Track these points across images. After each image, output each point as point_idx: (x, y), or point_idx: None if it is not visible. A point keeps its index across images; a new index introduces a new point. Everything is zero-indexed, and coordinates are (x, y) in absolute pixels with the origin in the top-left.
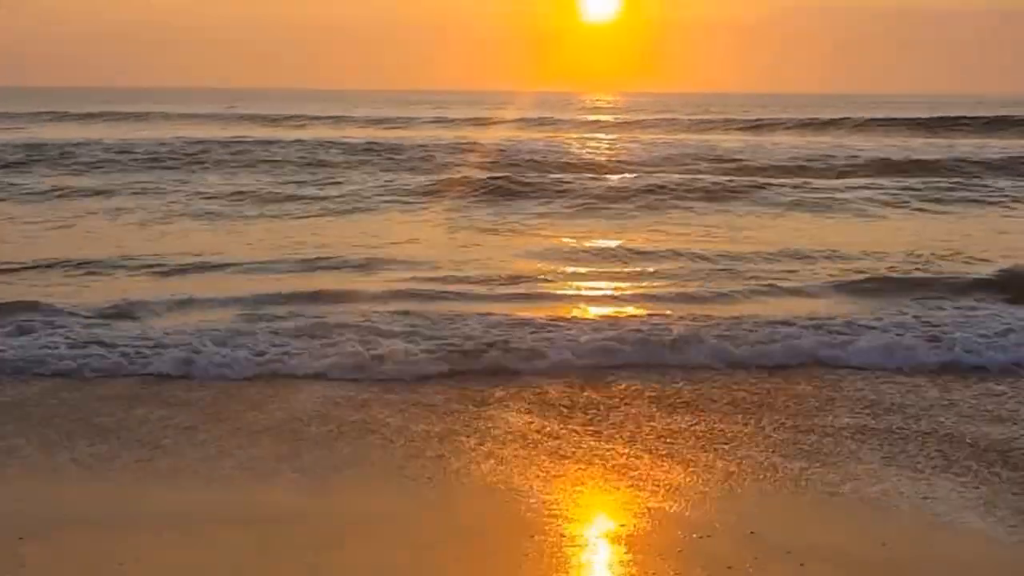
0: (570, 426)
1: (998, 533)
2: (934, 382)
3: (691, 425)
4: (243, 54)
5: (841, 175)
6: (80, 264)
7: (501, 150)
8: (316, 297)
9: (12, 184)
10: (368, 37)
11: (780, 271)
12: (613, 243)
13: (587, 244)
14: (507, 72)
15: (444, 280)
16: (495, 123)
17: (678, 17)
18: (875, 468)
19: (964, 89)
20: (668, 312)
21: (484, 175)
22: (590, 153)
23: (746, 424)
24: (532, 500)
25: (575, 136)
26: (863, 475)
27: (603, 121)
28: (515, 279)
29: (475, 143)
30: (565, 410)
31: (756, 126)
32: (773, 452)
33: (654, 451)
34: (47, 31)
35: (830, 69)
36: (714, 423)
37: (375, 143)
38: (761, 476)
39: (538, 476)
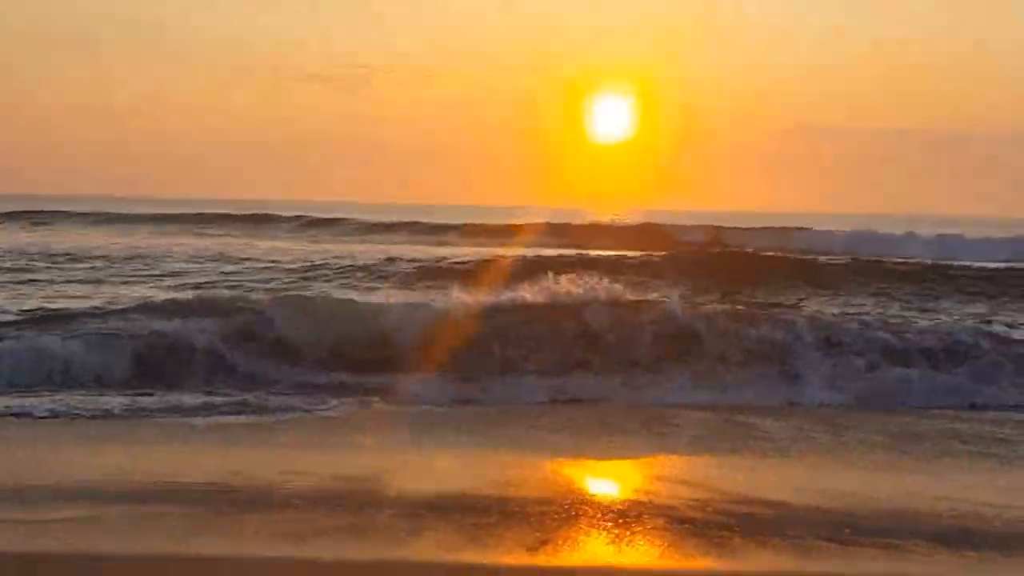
0: None
1: None
2: None
3: None
4: (248, 167)
5: None
6: None
7: None
8: None
9: None
10: (356, 153)
11: None
12: None
13: None
14: (521, 189)
15: None
16: None
17: (689, 137)
18: None
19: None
20: None
21: None
22: None
23: None
24: None
25: None
26: None
27: None
28: None
29: None
30: None
31: None
32: None
33: None
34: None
35: (847, 188)
36: None
37: None
38: None
39: None
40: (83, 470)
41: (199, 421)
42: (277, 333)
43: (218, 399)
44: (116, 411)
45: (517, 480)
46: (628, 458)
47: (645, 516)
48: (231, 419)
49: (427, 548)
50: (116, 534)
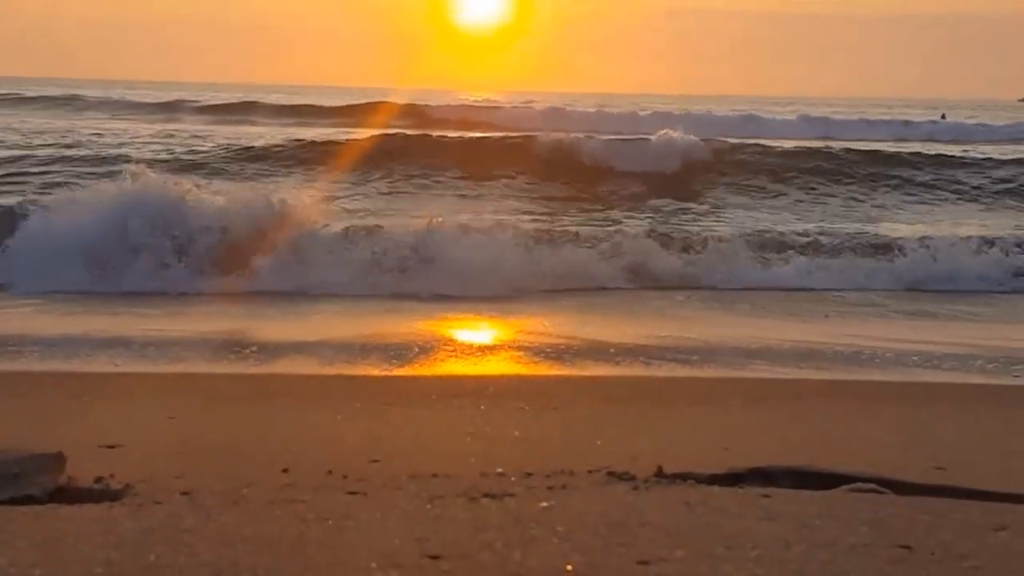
0: None
1: None
2: None
3: None
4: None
5: None
6: None
7: None
8: None
9: None
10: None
11: None
12: None
13: None
14: (379, 71)
15: None
16: None
17: (570, 21)
18: None
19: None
20: None
21: None
22: None
23: None
24: None
25: None
26: None
27: None
28: None
29: None
30: None
31: None
32: None
33: None
34: None
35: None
36: None
37: None
38: None
39: None
40: None
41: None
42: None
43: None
44: None
45: (381, 331)
46: (495, 317)
47: (501, 350)
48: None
49: (292, 367)
50: None
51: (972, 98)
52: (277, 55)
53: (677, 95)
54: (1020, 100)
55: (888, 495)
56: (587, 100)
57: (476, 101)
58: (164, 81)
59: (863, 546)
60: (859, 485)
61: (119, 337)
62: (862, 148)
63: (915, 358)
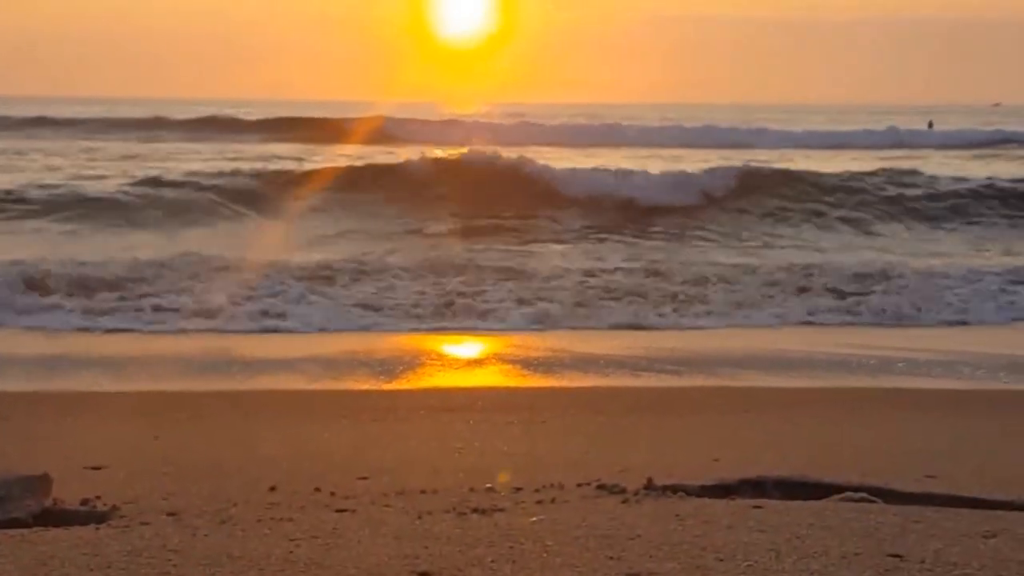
0: None
1: None
2: None
3: None
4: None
5: None
6: None
7: None
8: None
9: None
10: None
11: None
12: None
13: None
14: (364, 84)
15: None
16: None
17: (548, 30)
18: None
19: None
20: None
21: None
22: None
23: None
24: None
25: None
26: None
27: None
28: None
29: None
30: None
31: None
32: None
33: None
34: None
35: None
36: None
37: None
38: None
39: None
40: None
41: None
42: None
43: None
44: None
45: (367, 347)
46: (482, 331)
47: (489, 363)
48: None
49: (285, 382)
50: None
51: (948, 103)
52: (269, 69)
53: (669, 103)
54: (994, 105)
55: (879, 504)
56: (572, 110)
57: (452, 116)
58: (141, 98)
59: (854, 555)
60: (850, 495)
61: (101, 356)
62: None
63: (901, 365)
